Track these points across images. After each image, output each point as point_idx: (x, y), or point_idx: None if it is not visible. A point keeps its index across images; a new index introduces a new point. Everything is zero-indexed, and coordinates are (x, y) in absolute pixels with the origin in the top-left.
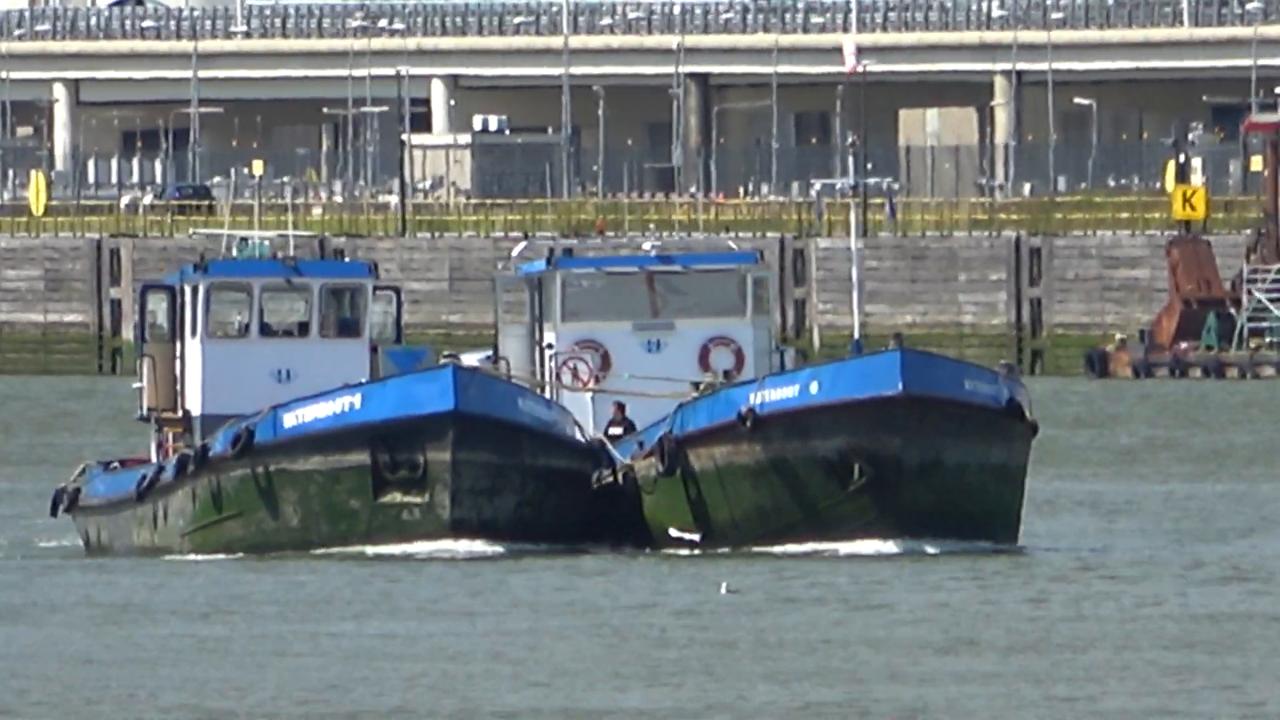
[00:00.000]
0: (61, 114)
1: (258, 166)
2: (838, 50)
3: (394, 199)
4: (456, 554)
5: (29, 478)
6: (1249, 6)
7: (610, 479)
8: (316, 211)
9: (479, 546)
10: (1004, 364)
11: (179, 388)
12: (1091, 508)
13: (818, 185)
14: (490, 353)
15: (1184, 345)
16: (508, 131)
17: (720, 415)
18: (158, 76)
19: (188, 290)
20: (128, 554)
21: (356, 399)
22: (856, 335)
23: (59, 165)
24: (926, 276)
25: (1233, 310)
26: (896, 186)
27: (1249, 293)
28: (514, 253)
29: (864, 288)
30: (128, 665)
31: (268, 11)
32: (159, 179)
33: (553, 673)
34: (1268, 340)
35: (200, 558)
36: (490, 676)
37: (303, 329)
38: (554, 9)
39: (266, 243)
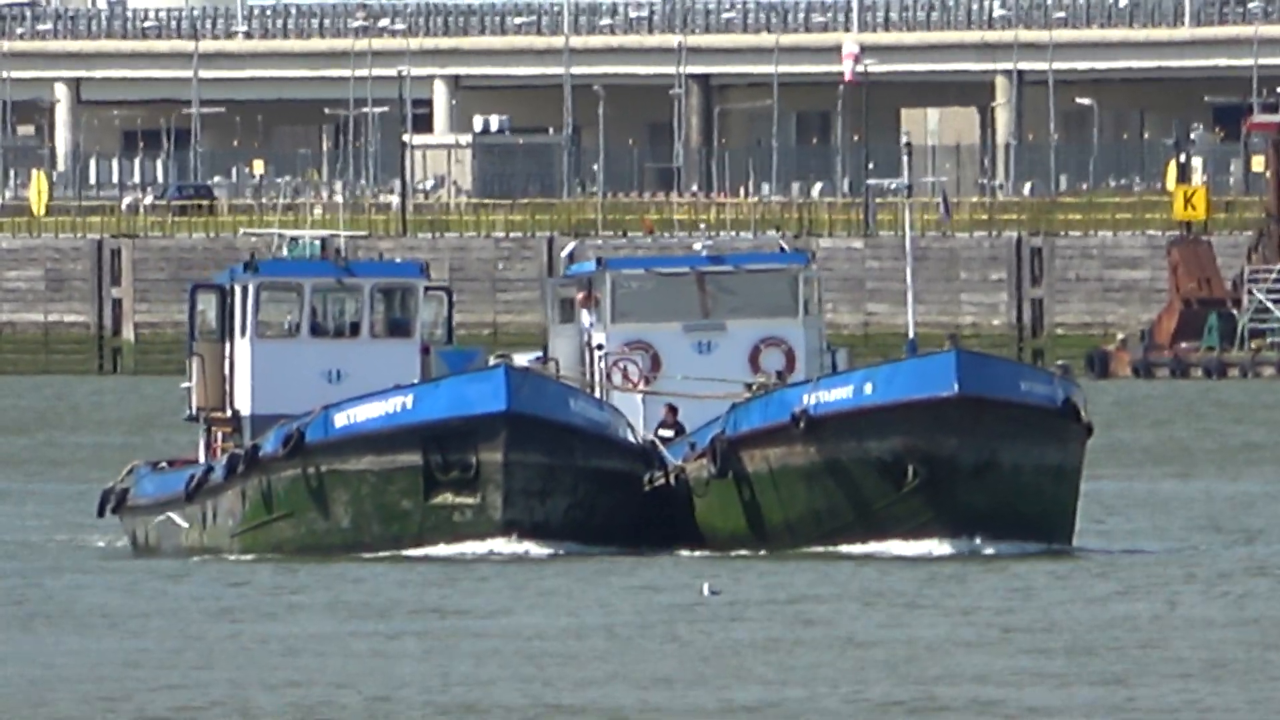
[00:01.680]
0: (62, 114)
1: (258, 166)
2: (838, 50)
3: (395, 199)
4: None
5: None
6: (1250, 6)
7: (662, 481)
8: (317, 211)
9: (531, 548)
10: (1060, 364)
11: (228, 388)
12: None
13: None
14: (540, 354)
15: (1184, 345)
16: (508, 132)
17: (773, 416)
18: (159, 76)
19: (238, 290)
20: (176, 554)
21: (408, 399)
22: (911, 335)
23: (60, 165)
24: (928, 276)
25: (1233, 310)
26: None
27: (1250, 293)
28: (563, 253)
29: (912, 288)
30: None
31: (269, 11)
32: (160, 179)
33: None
34: (1269, 341)
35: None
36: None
37: (353, 329)
38: (555, 9)
39: (317, 242)
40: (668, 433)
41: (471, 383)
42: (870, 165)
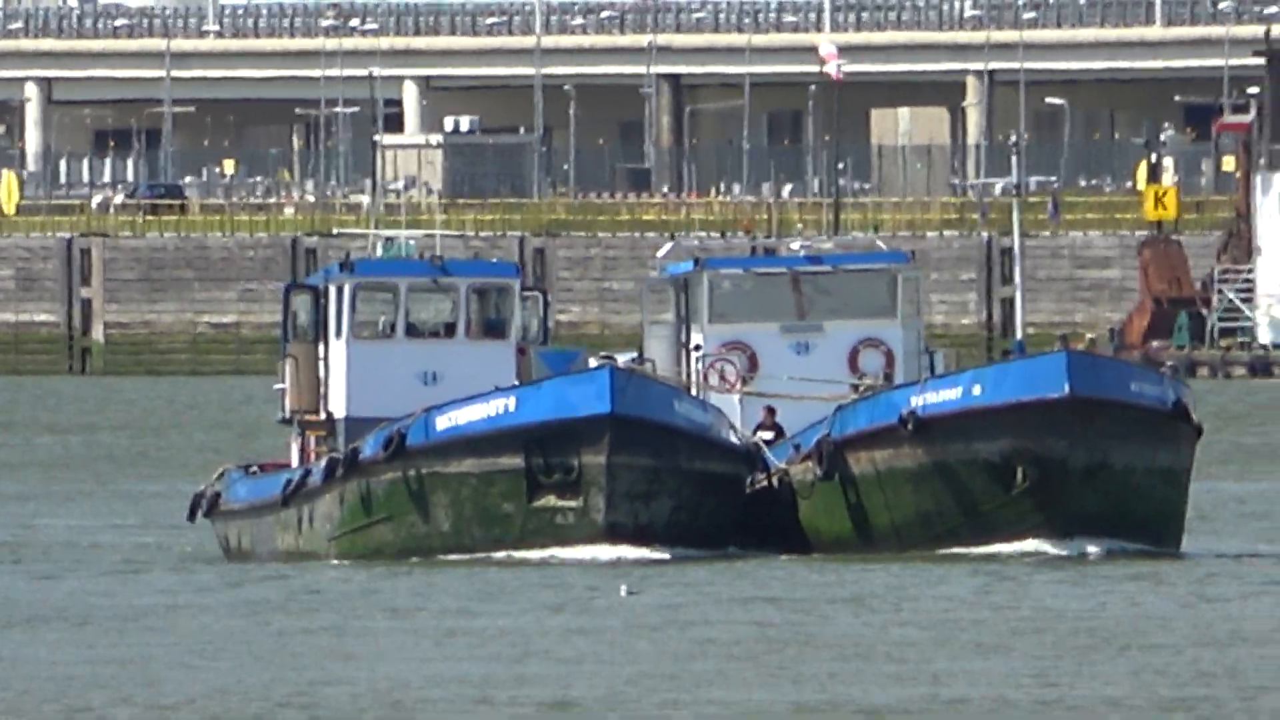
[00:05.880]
0: (33, 113)
1: (229, 166)
2: (810, 50)
3: (366, 199)
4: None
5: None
6: (1221, 6)
7: (765, 483)
8: (288, 211)
9: (634, 551)
10: (1170, 365)
11: (322, 390)
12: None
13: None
14: (636, 354)
15: (1155, 345)
16: (479, 132)
17: (881, 418)
18: (130, 76)
19: (332, 290)
20: (270, 559)
21: (511, 401)
22: (1019, 336)
23: (30, 165)
24: None
25: (1204, 310)
26: (1057, 184)
27: (1220, 292)
28: (660, 253)
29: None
30: None
31: (240, 11)
32: (130, 178)
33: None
34: (1238, 340)
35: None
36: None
37: (449, 330)
38: (526, 9)
39: (412, 242)
40: (767, 435)
41: (575, 384)
42: (841, 165)
